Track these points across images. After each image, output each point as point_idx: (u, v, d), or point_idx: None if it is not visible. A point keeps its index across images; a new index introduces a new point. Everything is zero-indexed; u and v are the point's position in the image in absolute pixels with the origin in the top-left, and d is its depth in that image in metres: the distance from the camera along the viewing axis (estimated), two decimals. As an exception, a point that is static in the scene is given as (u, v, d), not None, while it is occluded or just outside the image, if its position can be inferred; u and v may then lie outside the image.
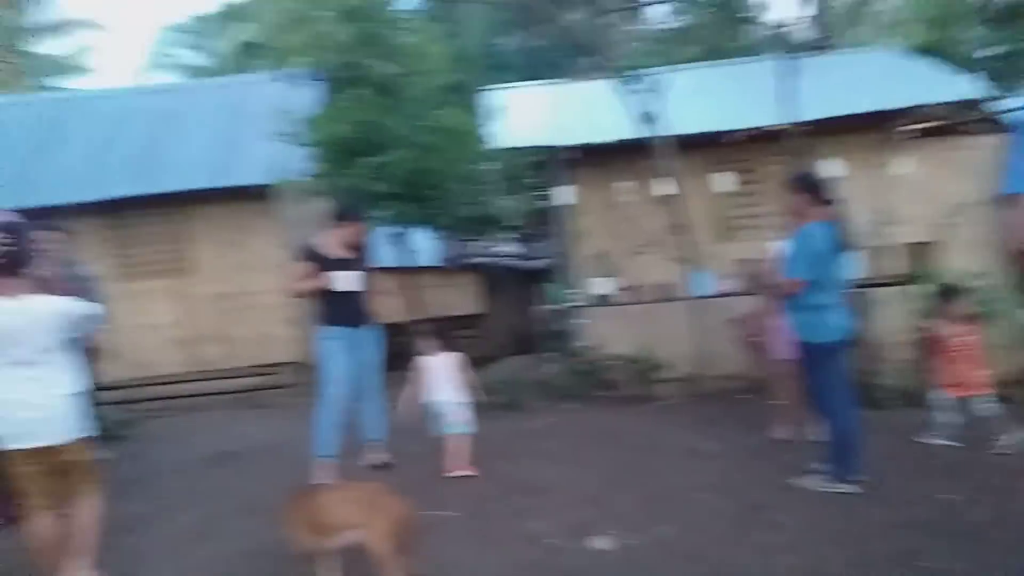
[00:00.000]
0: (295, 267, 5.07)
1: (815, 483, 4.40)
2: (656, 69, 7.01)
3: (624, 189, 8.37)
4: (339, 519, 3.23)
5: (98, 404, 4.77)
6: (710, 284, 7.74)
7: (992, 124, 8.02)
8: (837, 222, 4.37)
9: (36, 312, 3.20)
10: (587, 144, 8.17)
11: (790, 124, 6.92)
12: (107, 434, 5.61)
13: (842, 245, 4.36)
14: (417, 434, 5.20)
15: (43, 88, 21.05)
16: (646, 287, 8.26)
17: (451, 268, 13.54)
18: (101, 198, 8.71)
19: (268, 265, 9.04)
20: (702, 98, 9.03)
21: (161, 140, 9.88)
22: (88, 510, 3.40)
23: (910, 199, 7.91)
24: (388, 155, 7.31)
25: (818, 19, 13.22)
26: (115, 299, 6.30)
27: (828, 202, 4.40)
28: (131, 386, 8.71)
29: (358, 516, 3.19)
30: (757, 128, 7.58)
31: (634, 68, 7.13)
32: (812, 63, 7.93)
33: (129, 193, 8.82)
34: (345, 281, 4.96)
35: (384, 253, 9.27)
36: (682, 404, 7.01)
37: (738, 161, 8.30)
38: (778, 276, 4.60)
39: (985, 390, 5.26)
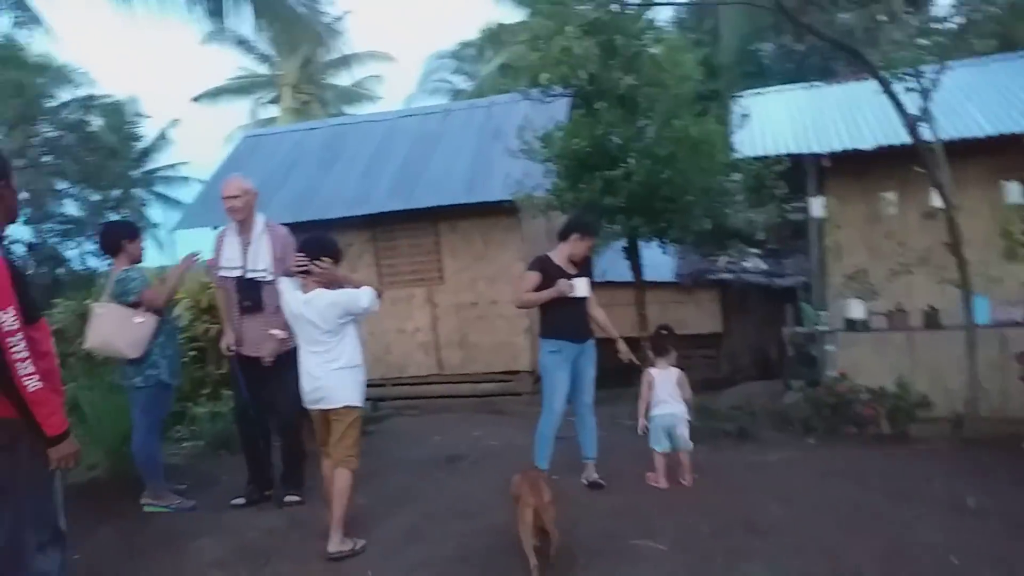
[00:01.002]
0: (525, 278, 5.16)
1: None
2: (932, 66, 6.18)
3: (886, 200, 7.53)
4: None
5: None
6: (990, 311, 6.68)
7: None
8: None
9: (320, 302, 3.99)
10: (844, 150, 7.47)
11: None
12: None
13: None
14: (635, 451, 5.03)
15: (333, 115, 23.84)
16: (909, 312, 7.35)
17: (688, 284, 13.11)
18: (368, 213, 9.65)
19: (510, 277, 9.40)
20: (986, 96, 7.86)
21: (421, 159, 10.70)
22: (341, 479, 3.99)
23: None
24: (622, 168, 7.24)
25: None
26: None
27: None
28: (384, 384, 9.51)
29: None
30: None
31: (907, 65, 6.34)
32: None
33: (391, 208, 9.67)
34: (573, 290, 4.95)
35: (617, 267, 9.20)
36: (946, 449, 6.08)
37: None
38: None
39: None
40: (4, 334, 2.50)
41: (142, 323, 4.60)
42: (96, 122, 18.94)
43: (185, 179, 23.97)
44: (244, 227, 4.73)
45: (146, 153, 23.37)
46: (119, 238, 4.75)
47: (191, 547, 4.15)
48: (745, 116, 8.99)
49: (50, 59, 19.83)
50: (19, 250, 14.38)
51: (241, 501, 4.85)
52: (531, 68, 8.17)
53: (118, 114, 20.60)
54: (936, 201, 6.56)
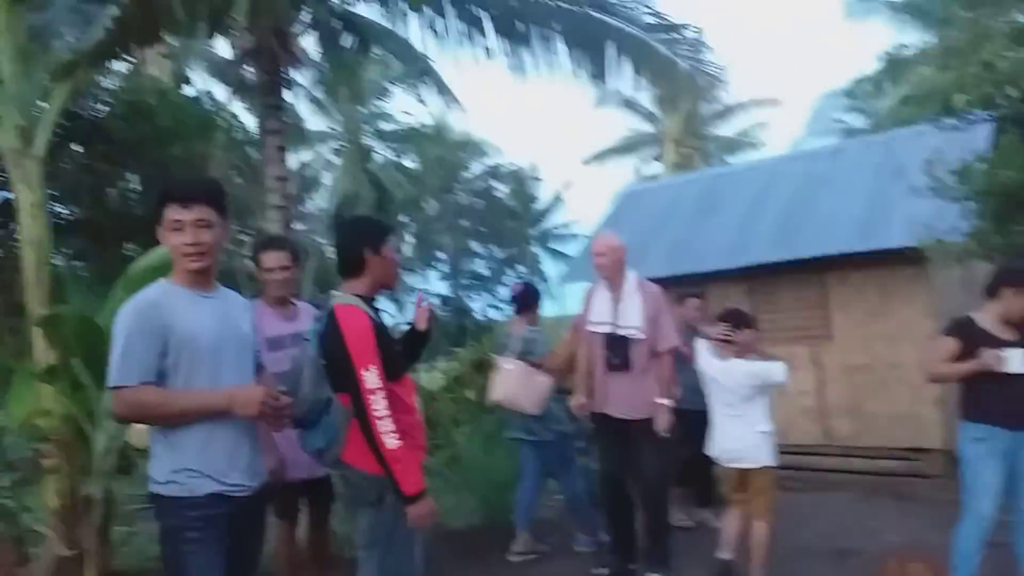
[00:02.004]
0: (940, 344, 4.21)
1: None
2: None
3: None
4: None
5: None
6: None
7: None
8: None
9: (738, 372, 4.37)
10: None
11: None
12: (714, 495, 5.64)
13: None
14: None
15: (714, 165, 23.60)
16: None
17: None
18: (744, 264, 9.07)
19: (915, 336, 8.03)
20: None
21: (806, 204, 9.81)
22: (759, 531, 4.39)
23: None
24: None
25: None
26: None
27: None
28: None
29: None
30: None
31: None
32: None
33: (771, 259, 8.96)
34: (1006, 363, 3.90)
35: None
36: None
37: None
38: None
39: None
40: (366, 392, 2.60)
41: (544, 382, 4.77)
42: (501, 188, 21.33)
43: (574, 236, 25.74)
44: (614, 283, 4.63)
45: (542, 214, 25.64)
46: (530, 299, 5.08)
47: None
48: None
49: (467, 135, 22.96)
50: (435, 302, 16.80)
51: (604, 573, 4.66)
52: (942, 92, 6.95)
53: (519, 180, 22.97)
54: None
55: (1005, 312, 3.96)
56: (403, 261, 23.85)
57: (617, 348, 4.48)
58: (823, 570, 4.82)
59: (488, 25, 8.81)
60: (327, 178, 25.60)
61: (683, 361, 4.82)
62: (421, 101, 12.45)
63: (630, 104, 27.07)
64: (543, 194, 25.02)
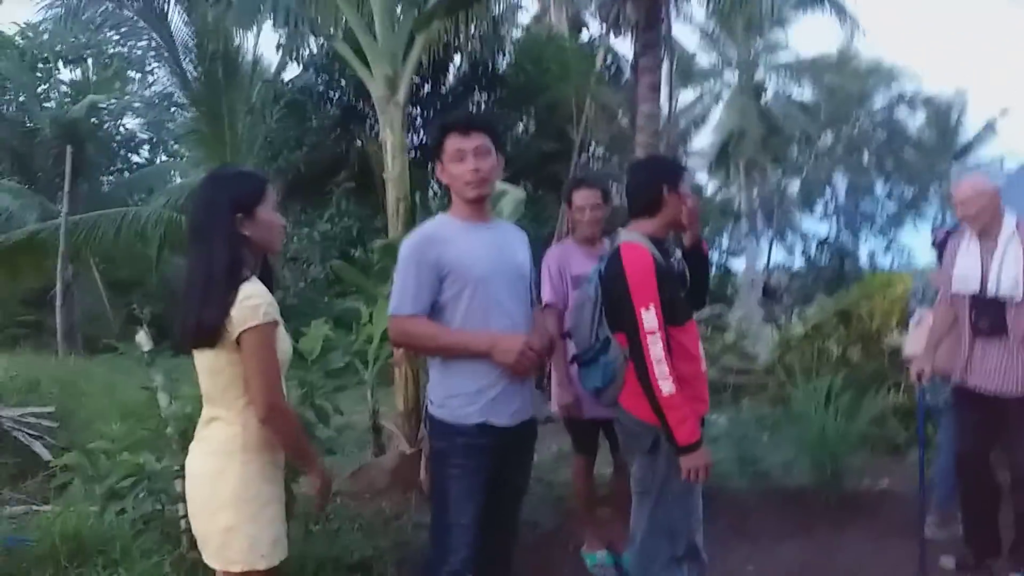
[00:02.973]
0: None
1: None
2: None
3: None
4: None
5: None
6: None
7: None
8: None
9: None
10: None
11: None
12: None
13: None
14: None
15: None
16: None
17: None
18: None
19: None
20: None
21: None
22: None
23: None
24: None
25: None
26: None
27: None
28: None
29: None
30: None
31: None
32: None
33: None
34: None
35: None
36: None
37: None
38: None
39: None
40: (643, 332, 2.50)
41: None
42: (911, 118, 18.69)
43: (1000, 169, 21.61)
44: (985, 233, 3.77)
45: (966, 147, 21.94)
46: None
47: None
48: None
49: (876, 62, 20.46)
50: (811, 244, 15.49)
51: (950, 562, 3.97)
52: None
53: (936, 108, 19.85)
54: None
55: None
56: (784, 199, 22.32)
57: (987, 310, 3.66)
58: None
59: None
60: (715, 115, 25.06)
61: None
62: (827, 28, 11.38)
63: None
64: (969, 124, 21.33)
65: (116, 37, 15.54)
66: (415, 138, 13.84)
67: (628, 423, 2.68)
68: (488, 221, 2.65)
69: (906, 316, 6.41)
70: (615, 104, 15.08)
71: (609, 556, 3.78)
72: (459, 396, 2.49)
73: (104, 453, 2.58)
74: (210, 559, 2.03)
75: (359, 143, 13.42)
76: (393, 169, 4.38)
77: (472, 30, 13.08)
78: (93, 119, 17.98)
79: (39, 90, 19.65)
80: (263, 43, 32.25)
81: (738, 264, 20.35)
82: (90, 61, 20.51)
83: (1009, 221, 3.74)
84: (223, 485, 1.98)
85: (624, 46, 16.08)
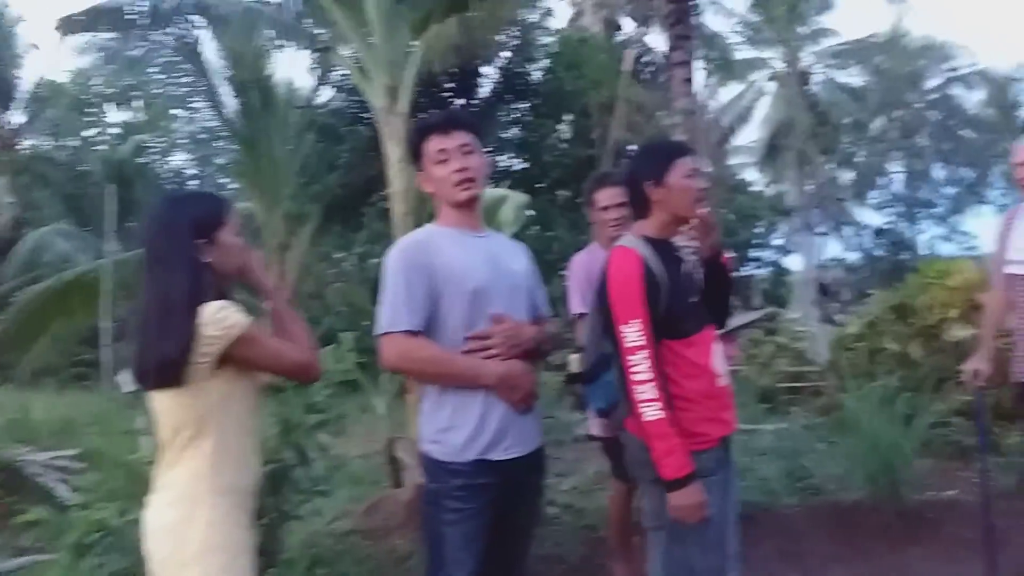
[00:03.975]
0: None
1: None
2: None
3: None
4: None
5: None
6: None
7: None
8: None
9: None
10: None
11: None
12: None
13: None
14: None
15: None
16: None
17: None
18: None
19: None
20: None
21: None
22: None
23: None
24: None
25: None
26: None
27: None
28: None
29: None
30: None
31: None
32: None
33: None
34: None
35: None
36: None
37: None
38: None
39: None
40: (624, 350, 2.22)
41: None
42: (969, 97, 17.78)
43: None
44: (1048, 206, 3.37)
45: (1030, 123, 20.81)
46: None
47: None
48: None
49: (928, 39, 19.59)
50: (868, 236, 14.67)
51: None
52: None
53: (996, 85, 18.86)
54: None
55: None
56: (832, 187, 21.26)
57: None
58: None
59: None
60: (761, 108, 24.35)
61: None
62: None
63: None
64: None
65: (160, 76, 15.95)
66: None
67: (632, 449, 2.37)
68: (480, 230, 2.39)
69: (969, 306, 5.94)
70: (652, 104, 14.71)
71: (641, 595, 3.46)
72: (454, 429, 2.20)
73: (80, 506, 2.43)
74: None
75: (392, 162, 13.38)
76: (399, 182, 4.18)
77: (503, 38, 12.95)
78: (139, 158, 18.48)
79: (89, 133, 20.30)
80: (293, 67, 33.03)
81: (793, 262, 19.66)
82: (136, 103, 21.14)
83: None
84: (191, 535, 1.79)
85: (662, 43, 15.74)
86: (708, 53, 14.00)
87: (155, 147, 20.88)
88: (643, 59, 14.91)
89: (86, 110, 19.74)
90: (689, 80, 10.48)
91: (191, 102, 19.69)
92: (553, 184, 14.23)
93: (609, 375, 2.39)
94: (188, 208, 1.92)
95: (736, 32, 22.75)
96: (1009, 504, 4.52)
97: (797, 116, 21.89)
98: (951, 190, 16.38)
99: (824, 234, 20.36)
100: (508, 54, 13.41)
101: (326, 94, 14.24)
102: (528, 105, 14.16)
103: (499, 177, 14.38)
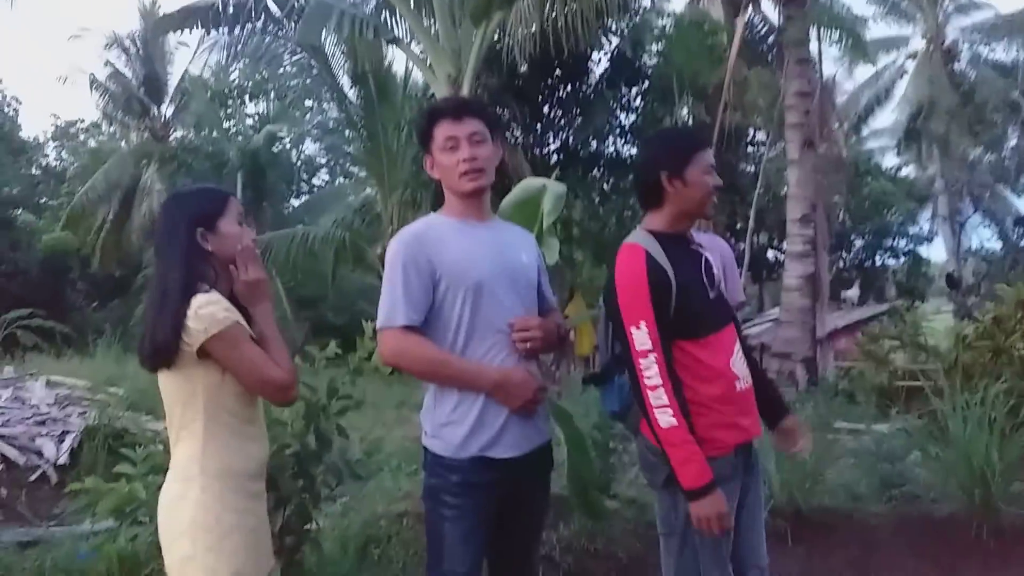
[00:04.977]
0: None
1: None
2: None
3: None
4: None
5: None
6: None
7: None
8: None
9: None
10: None
11: None
12: None
13: None
14: None
15: None
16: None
17: None
18: None
19: None
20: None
21: None
22: None
23: None
24: None
25: None
26: None
27: None
28: None
29: None
30: None
31: None
32: None
33: None
34: None
35: None
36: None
37: None
38: None
39: None
40: (635, 354, 2.10)
41: None
42: None
43: None
44: None
45: None
46: None
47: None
48: None
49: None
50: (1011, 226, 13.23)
51: None
52: None
53: None
54: None
55: None
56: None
57: None
58: None
59: None
60: (900, 89, 22.73)
61: None
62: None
63: None
64: None
65: (292, 70, 16.74)
66: (554, 140, 13.63)
67: (643, 452, 2.27)
68: (486, 219, 2.30)
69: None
70: (774, 86, 14.02)
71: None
72: (454, 425, 2.14)
73: (125, 476, 2.59)
74: (170, 592, 1.93)
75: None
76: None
77: (612, 24, 12.67)
78: (273, 147, 19.51)
79: (228, 125, 21.61)
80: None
81: (933, 252, 18.18)
82: (271, 95, 22.33)
83: None
84: (182, 511, 1.88)
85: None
86: (836, 31, 13.12)
87: (287, 137, 21.97)
88: (768, 40, 14.20)
89: (225, 103, 21.07)
90: (806, 60, 9.91)
91: (318, 95, 20.65)
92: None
93: (622, 377, 2.29)
94: (187, 203, 2.01)
95: (872, 5, 21.35)
96: None
97: (940, 96, 20.28)
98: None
99: (963, 223, 18.79)
100: (618, 40, 13.10)
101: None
102: (639, 90, 13.83)
103: (610, 164, 14.18)
